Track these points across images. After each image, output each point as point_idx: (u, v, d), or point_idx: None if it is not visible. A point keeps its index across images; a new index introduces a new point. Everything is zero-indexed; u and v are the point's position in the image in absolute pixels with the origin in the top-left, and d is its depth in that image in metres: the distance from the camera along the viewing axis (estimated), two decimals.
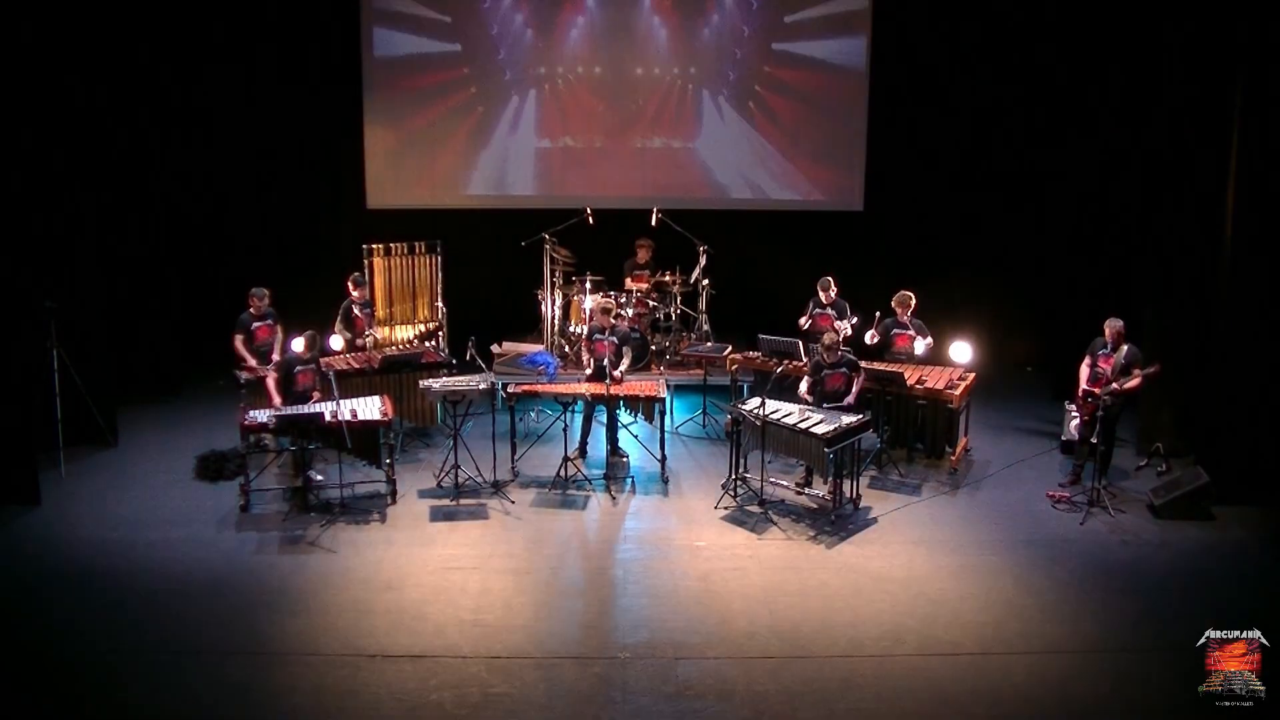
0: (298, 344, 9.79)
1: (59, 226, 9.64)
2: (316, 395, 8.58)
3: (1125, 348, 8.50)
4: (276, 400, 8.50)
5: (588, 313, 10.97)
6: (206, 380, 11.03)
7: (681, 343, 11.32)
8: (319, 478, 8.72)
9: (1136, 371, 8.41)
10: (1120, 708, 5.98)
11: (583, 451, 9.44)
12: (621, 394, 8.84)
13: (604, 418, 9.46)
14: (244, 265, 11.34)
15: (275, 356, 9.43)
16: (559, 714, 5.87)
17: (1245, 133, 8.49)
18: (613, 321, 9.43)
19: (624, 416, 9.46)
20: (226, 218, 11.96)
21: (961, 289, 11.76)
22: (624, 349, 9.28)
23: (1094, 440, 8.51)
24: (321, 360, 9.53)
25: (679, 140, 12.54)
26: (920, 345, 9.52)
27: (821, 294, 9.99)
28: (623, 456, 9.49)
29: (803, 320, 10.07)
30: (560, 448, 8.96)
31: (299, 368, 8.61)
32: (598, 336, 9.28)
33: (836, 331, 9.28)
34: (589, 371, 9.26)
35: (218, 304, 10.68)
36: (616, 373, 9.03)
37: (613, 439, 9.49)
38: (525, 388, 9.04)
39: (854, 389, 8.66)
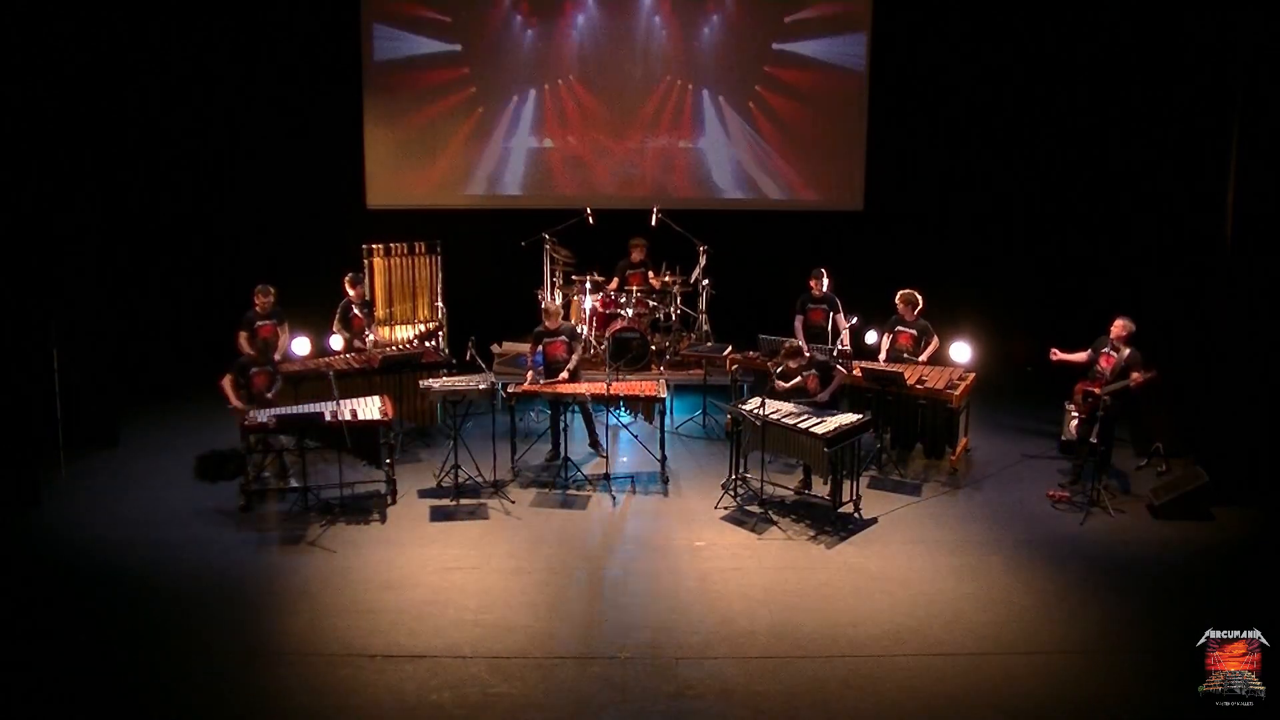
0: (301, 345, 9.82)
1: (59, 227, 9.64)
2: (270, 397, 8.55)
3: (1128, 351, 8.48)
4: (233, 400, 8.49)
5: (587, 312, 10.99)
6: (206, 380, 11.00)
7: (681, 343, 11.32)
8: (266, 475, 8.74)
9: (1135, 375, 8.40)
10: (1120, 708, 5.98)
11: (556, 454, 9.25)
12: (622, 394, 8.84)
13: (579, 417, 9.43)
14: (244, 265, 11.34)
15: (277, 356, 9.44)
16: (559, 714, 5.87)
17: (1245, 133, 8.49)
18: (560, 322, 9.38)
19: (624, 417, 9.46)
20: (226, 218, 11.97)
21: (961, 289, 11.76)
22: (573, 345, 9.26)
23: (1093, 440, 8.51)
24: (321, 360, 9.55)
25: (679, 140, 12.55)
26: (924, 352, 9.48)
27: (813, 286, 9.97)
28: (601, 454, 9.46)
29: (796, 321, 10.08)
30: (560, 448, 8.97)
31: (254, 369, 8.61)
32: (548, 339, 9.23)
33: (839, 328, 9.28)
34: (532, 377, 9.08)
35: (218, 304, 10.68)
36: (564, 374, 9.02)
37: (591, 434, 9.49)
38: (525, 388, 9.04)
39: (829, 387, 8.57)
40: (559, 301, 10.96)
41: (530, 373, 9.14)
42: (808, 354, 8.76)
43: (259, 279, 9.73)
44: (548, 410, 9.52)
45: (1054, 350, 8.92)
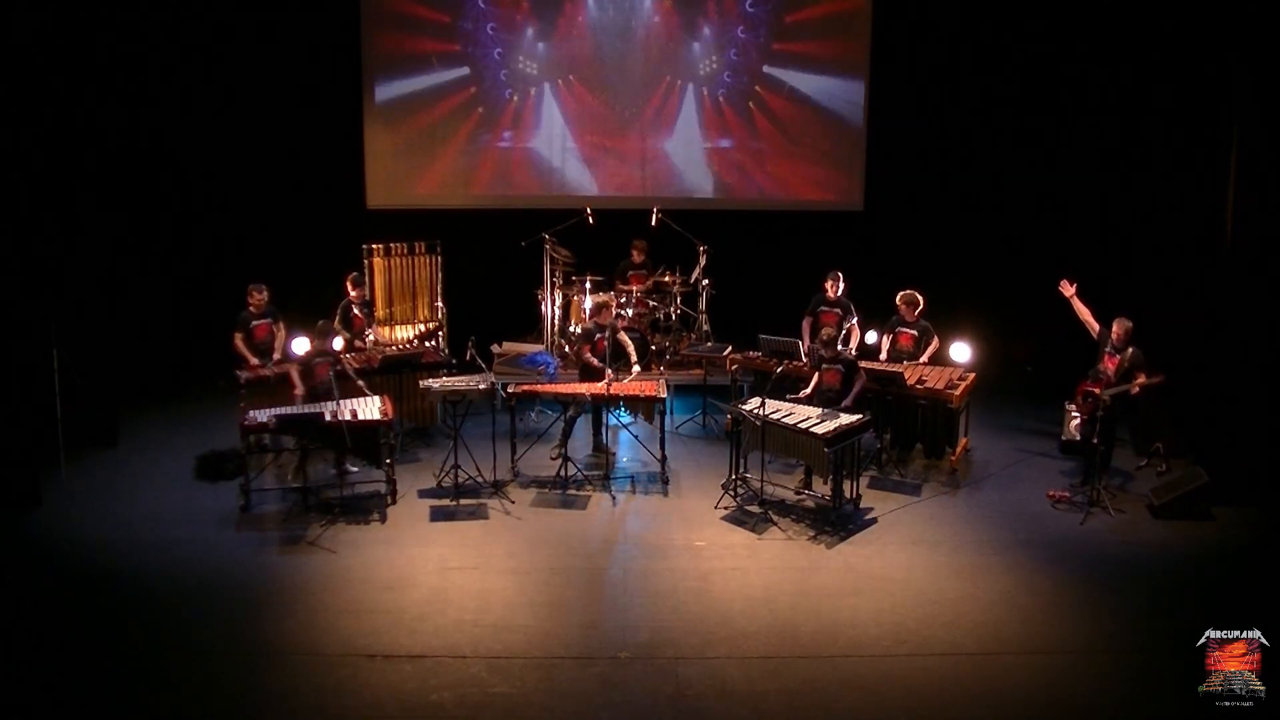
0: (301, 345, 9.81)
1: (59, 227, 9.65)
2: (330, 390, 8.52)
3: (1130, 350, 8.47)
4: (300, 389, 8.45)
5: (588, 312, 10.98)
6: (206, 380, 11.01)
7: (681, 343, 11.32)
8: (354, 469, 8.76)
9: (1140, 377, 8.38)
10: (1120, 708, 5.98)
11: (561, 451, 9.17)
12: (622, 394, 8.84)
13: (591, 416, 9.43)
14: (243, 265, 11.33)
15: (276, 355, 9.45)
16: (559, 714, 5.87)
17: (1245, 134, 8.49)
18: (611, 317, 9.43)
19: (624, 416, 9.45)
20: (226, 218, 11.96)
21: (962, 289, 11.76)
22: (620, 338, 9.30)
23: (1094, 440, 8.51)
24: None
25: (679, 140, 12.55)
26: (924, 353, 9.46)
27: (828, 289, 9.94)
28: (610, 452, 9.47)
29: (805, 322, 10.04)
30: (566, 446, 8.98)
31: (318, 359, 8.63)
32: (600, 334, 9.27)
33: (841, 331, 9.27)
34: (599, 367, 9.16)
35: (218, 304, 10.67)
36: (635, 367, 9.14)
37: (597, 437, 9.49)
38: (525, 388, 9.04)
39: (853, 390, 8.63)
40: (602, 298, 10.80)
41: (607, 370, 9.05)
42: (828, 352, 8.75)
43: (259, 279, 9.73)
44: (550, 411, 9.50)
45: (1066, 284, 8.85)
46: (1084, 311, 8.87)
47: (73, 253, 9.76)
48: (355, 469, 8.79)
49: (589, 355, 9.31)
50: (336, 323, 10.05)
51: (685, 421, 10.45)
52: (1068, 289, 8.91)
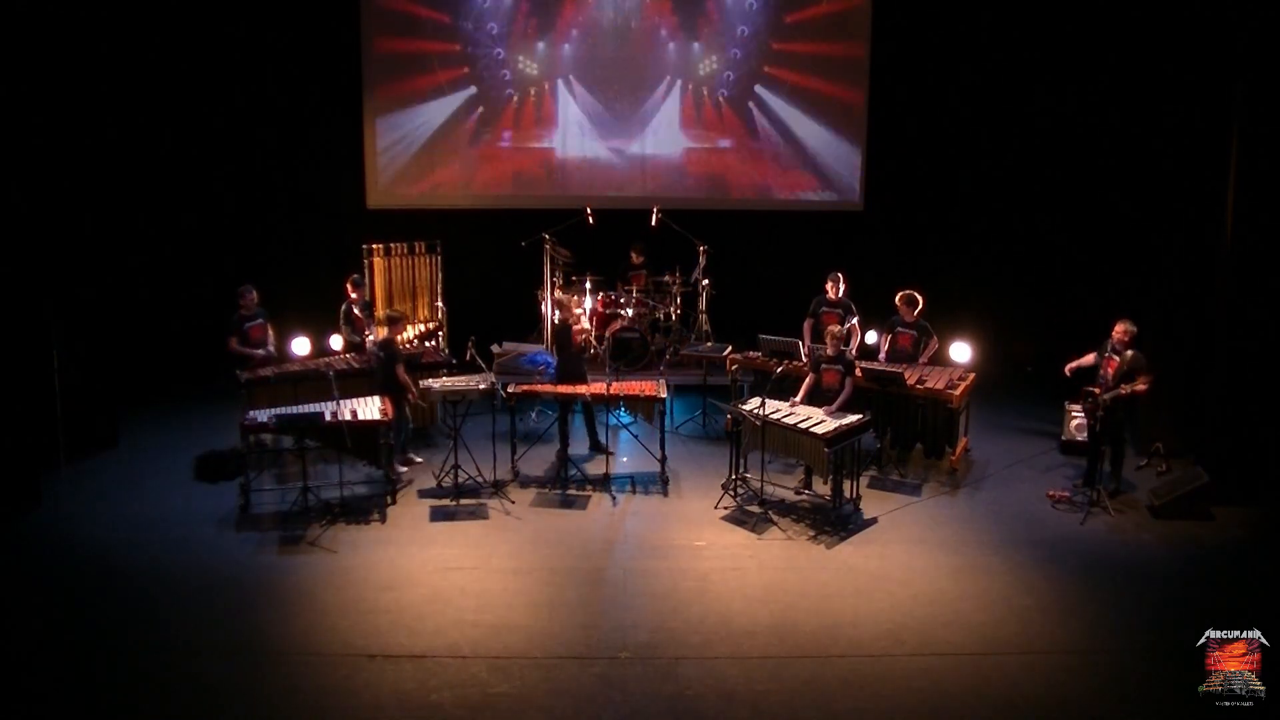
0: (301, 345, 9.84)
1: (60, 228, 9.64)
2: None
3: (1130, 353, 8.45)
4: (414, 391, 8.76)
5: (587, 312, 11.00)
6: (206, 380, 11.03)
7: (682, 343, 11.32)
8: (419, 459, 9.06)
9: (1141, 380, 8.36)
10: (1120, 708, 5.97)
11: (564, 451, 9.25)
12: (622, 394, 8.84)
13: (579, 417, 9.48)
14: (243, 265, 11.35)
15: (274, 353, 9.47)
16: (559, 714, 5.87)
17: (1245, 134, 8.49)
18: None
19: (624, 417, 9.45)
20: (226, 218, 11.97)
21: (962, 289, 11.77)
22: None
23: (1100, 443, 8.52)
24: (321, 360, 9.57)
25: (679, 140, 12.56)
26: (924, 353, 9.46)
27: (829, 289, 9.92)
28: (608, 453, 9.46)
29: (806, 323, 10.01)
30: (567, 446, 8.99)
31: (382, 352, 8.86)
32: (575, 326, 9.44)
33: (844, 331, 9.30)
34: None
35: (217, 304, 10.68)
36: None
37: (592, 435, 9.50)
38: (525, 388, 9.04)
39: (842, 395, 8.60)
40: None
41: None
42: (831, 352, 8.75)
43: (259, 279, 9.73)
44: (550, 411, 9.49)
45: (1068, 367, 8.97)
46: (1083, 361, 8.89)
47: (73, 253, 9.75)
48: (420, 459, 9.15)
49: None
50: (341, 324, 10.07)
51: (685, 421, 10.45)
52: (1070, 369, 8.97)
